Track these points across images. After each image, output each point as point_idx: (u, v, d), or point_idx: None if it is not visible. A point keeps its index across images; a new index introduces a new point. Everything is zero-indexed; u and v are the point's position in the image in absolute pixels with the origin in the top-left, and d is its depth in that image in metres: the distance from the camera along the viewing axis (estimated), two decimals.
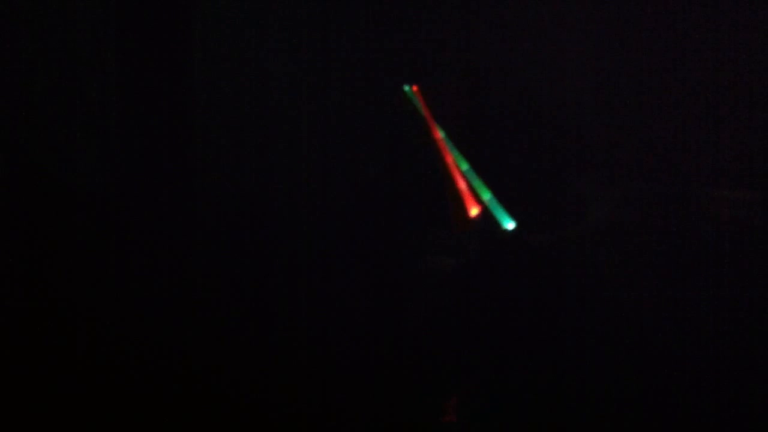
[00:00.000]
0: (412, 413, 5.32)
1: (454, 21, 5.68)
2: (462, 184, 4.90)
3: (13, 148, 5.74)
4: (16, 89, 5.76)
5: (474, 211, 4.83)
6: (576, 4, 5.61)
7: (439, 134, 5.01)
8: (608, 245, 5.49)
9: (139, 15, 5.82)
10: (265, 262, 5.73)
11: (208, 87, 5.84)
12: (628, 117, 5.55)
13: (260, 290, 5.69)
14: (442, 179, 4.97)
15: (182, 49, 5.84)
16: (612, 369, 5.33)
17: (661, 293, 5.43)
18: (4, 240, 5.65)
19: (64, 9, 5.77)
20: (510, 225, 4.72)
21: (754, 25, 5.39)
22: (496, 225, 4.84)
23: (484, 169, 5.07)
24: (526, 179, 5.26)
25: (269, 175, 5.81)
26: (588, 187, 5.56)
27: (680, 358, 5.33)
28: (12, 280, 5.62)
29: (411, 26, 5.70)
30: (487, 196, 4.81)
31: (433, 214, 5.58)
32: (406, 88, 5.06)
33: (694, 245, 5.43)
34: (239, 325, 5.62)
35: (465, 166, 4.90)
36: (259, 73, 5.83)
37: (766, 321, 5.32)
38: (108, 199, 5.75)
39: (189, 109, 5.85)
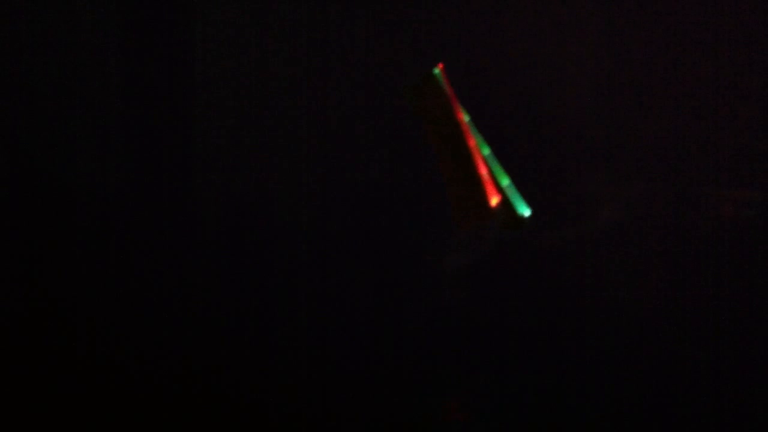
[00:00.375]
0: (412, 413, 5.32)
1: (457, 19, 5.67)
2: (483, 170, 4.78)
3: (13, 148, 5.73)
4: (16, 89, 5.75)
5: (494, 200, 4.72)
6: (584, 1, 5.61)
7: (464, 117, 4.89)
8: (612, 245, 5.48)
9: (139, 15, 5.81)
10: (266, 262, 5.72)
11: (209, 87, 5.83)
12: (634, 116, 5.54)
13: (260, 290, 5.68)
14: (463, 165, 4.84)
15: (183, 49, 5.83)
16: (615, 369, 5.33)
17: (665, 293, 5.42)
18: (4, 240, 5.64)
19: (64, 9, 5.76)
20: (526, 212, 4.62)
21: (758, 22, 5.39)
22: (512, 210, 4.73)
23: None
24: (531, 177, 5.23)
25: (271, 175, 5.80)
26: (592, 187, 5.56)
27: (684, 358, 5.32)
28: (12, 280, 5.61)
29: (413, 25, 5.70)
30: (506, 182, 4.70)
31: (436, 214, 5.57)
32: (436, 71, 4.95)
33: (699, 245, 5.42)
34: (239, 325, 5.61)
35: (486, 150, 4.78)
36: (261, 72, 5.82)
37: None
38: (108, 199, 5.74)
39: (190, 109, 5.84)
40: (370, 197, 5.71)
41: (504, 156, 4.85)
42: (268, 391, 5.39)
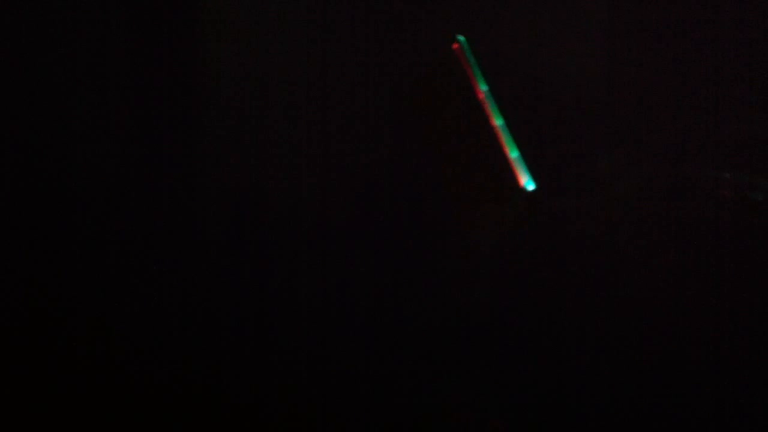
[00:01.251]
0: (414, 414, 5.31)
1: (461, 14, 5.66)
2: (504, 147, 4.62)
3: (13, 148, 5.73)
4: (16, 88, 5.75)
5: (521, 179, 4.59)
6: None
7: (481, 89, 4.71)
8: (624, 226, 5.46)
9: (140, 15, 5.81)
10: (266, 261, 5.72)
11: (210, 85, 5.84)
12: (641, 98, 5.52)
13: (260, 289, 5.68)
14: (486, 142, 4.69)
15: (185, 49, 5.84)
16: (622, 361, 5.31)
17: (677, 282, 5.40)
18: (4, 240, 5.64)
19: (65, 9, 5.76)
20: (530, 187, 4.50)
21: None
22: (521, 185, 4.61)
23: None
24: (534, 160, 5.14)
25: (271, 174, 5.79)
26: (609, 164, 5.54)
27: (693, 352, 5.31)
28: (12, 280, 5.61)
29: (415, 21, 5.69)
30: (515, 154, 4.56)
31: (437, 211, 5.56)
32: (461, 38, 4.79)
33: (711, 229, 5.40)
34: (239, 324, 5.61)
35: (500, 121, 4.63)
36: (261, 70, 5.82)
37: None
38: (108, 198, 5.74)
39: (191, 109, 5.84)
40: (372, 195, 5.70)
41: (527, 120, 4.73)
42: (268, 392, 5.38)
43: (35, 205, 5.65)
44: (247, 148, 5.77)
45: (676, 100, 5.48)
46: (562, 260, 5.46)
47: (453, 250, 5.52)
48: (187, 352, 5.44)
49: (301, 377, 5.47)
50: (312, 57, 5.75)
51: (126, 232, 5.69)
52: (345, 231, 5.66)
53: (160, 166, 5.76)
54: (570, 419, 5.26)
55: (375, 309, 5.56)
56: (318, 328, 5.59)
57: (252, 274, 5.67)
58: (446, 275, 5.53)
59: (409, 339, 5.48)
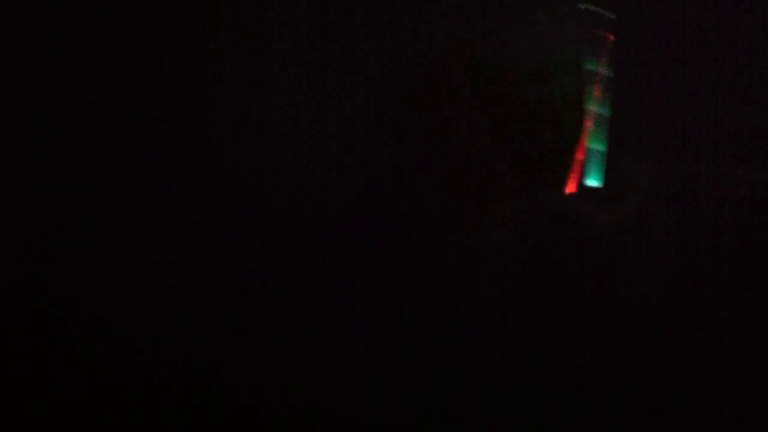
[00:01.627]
0: (415, 413, 5.31)
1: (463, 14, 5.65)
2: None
3: (13, 147, 5.72)
4: (16, 88, 5.75)
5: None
6: None
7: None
8: (625, 226, 5.46)
9: (141, 14, 5.81)
10: (268, 260, 5.71)
11: (211, 85, 5.83)
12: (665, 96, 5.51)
13: (262, 290, 5.67)
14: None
15: (185, 48, 5.83)
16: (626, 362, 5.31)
17: (677, 282, 5.39)
18: (4, 240, 5.64)
19: (66, 9, 5.76)
20: (594, 183, 4.40)
21: None
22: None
23: None
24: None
25: (273, 172, 5.79)
26: (610, 165, 5.53)
27: (693, 352, 5.30)
28: (12, 280, 5.60)
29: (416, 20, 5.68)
30: (599, 146, 4.40)
31: (438, 210, 5.56)
32: None
33: (711, 229, 5.39)
34: (240, 325, 5.60)
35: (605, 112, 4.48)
36: (261, 68, 5.81)
37: None
38: (108, 198, 5.73)
39: (191, 109, 5.83)
40: (372, 195, 5.69)
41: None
42: (268, 392, 5.38)
43: (35, 205, 5.64)
44: (247, 148, 5.76)
45: (676, 100, 5.48)
46: (562, 260, 5.45)
47: (453, 250, 5.52)
48: (187, 352, 5.43)
49: (301, 377, 5.46)
50: (312, 57, 5.75)
51: (126, 231, 5.68)
52: (345, 231, 5.65)
53: (160, 165, 5.75)
54: (570, 419, 5.26)
55: (375, 309, 5.55)
56: (318, 328, 5.58)
57: (252, 274, 5.66)
58: (447, 275, 5.52)
59: (409, 339, 5.47)
